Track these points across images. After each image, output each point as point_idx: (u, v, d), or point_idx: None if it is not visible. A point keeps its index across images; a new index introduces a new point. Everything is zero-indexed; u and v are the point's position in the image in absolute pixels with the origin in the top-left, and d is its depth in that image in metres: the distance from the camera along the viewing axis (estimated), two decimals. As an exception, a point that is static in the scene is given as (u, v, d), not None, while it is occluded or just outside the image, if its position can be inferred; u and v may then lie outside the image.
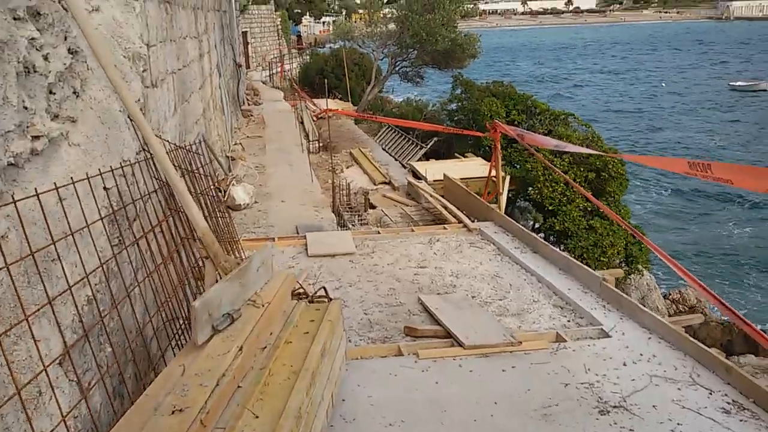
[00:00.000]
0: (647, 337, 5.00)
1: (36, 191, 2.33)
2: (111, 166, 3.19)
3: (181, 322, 3.89)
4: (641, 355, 4.72)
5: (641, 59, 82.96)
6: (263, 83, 30.95)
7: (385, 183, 13.43)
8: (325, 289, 4.88)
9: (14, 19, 2.34)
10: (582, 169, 14.63)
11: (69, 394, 2.44)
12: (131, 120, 3.53)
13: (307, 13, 75.38)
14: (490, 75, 41.72)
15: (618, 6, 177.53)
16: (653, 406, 4.04)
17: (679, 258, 19.72)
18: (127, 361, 3.14)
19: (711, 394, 4.17)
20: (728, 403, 4.06)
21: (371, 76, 29.71)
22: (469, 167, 14.82)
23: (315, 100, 22.24)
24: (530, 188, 15.01)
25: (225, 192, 9.45)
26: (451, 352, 4.81)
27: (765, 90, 54.65)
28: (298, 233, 8.26)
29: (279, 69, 34.31)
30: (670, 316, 15.25)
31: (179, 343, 3.79)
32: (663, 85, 61.68)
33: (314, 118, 19.32)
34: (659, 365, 4.56)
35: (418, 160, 17.64)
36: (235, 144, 14.41)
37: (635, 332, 5.10)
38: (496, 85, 20.42)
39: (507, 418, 3.97)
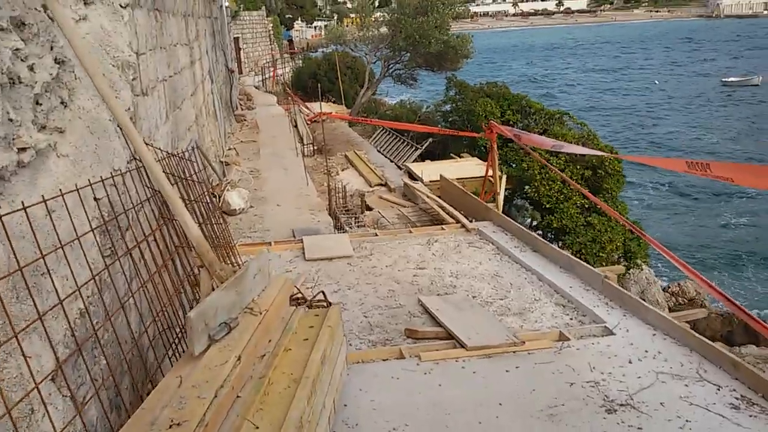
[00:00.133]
0: (652, 334, 4.94)
1: (23, 204, 2.27)
2: (101, 176, 3.12)
3: (178, 330, 3.83)
4: (646, 352, 4.66)
5: (633, 58, 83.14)
6: (256, 88, 30.89)
7: (381, 185, 13.36)
8: (323, 293, 4.83)
9: (-3, 29, 2.28)
10: (578, 167, 14.60)
11: (63, 410, 2.37)
12: (121, 129, 3.46)
13: (299, 18, 75.39)
14: (483, 76, 41.66)
15: (609, 6, 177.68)
16: (661, 403, 3.99)
17: (676, 250, 19.70)
18: (123, 372, 3.08)
19: (719, 389, 4.12)
20: (737, 398, 4.00)
21: (364, 79, 29.62)
22: (465, 167, 14.78)
23: (308, 104, 22.17)
24: (527, 186, 14.98)
25: (220, 197, 9.38)
26: (453, 353, 4.75)
27: (757, 85, 55.26)
28: (294, 237, 8.20)
29: (271, 74, 34.23)
30: (670, 309, 15.22)
31: (177, 351, 3.72)
32: (656, 83, 61.84)
33: (308, 122, 19.25)
34: (665, 362, 4.51)
35: (413, 161, 17.59)
36: (229, 149, 14.34)
37: (639, 329, 5.04)
38: (490, 86, 20.41)
39: (512, 419, 3.91)
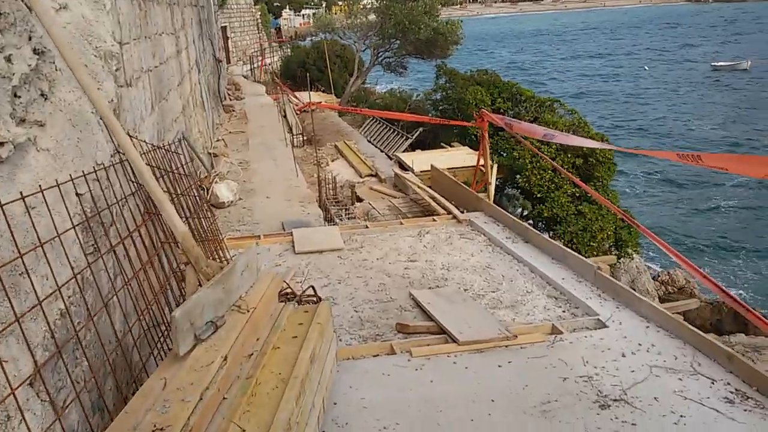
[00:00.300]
0: (645, 326, 4.89)
1: (0, 202, 2.18)
2: (83, 171, 3.03)
3: (164, 328, 3.75)
4: (640, 345, 4.61)
5: (622, 43, 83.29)
6: (244, 78, 30.63)
7: (372, 175, 13.27)
8: (313, 288, 4.77)
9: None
10: (569, 155, 14.56)
11: (41, 416, 2.29)
12: (103, 122, 3.37)
13: (287, 6, 74.92)
14: (473, 63, 41.56)
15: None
16: (655, 398, 3.94)
17: (666, 236, 19.81)
18: (107, 373, 2.99)
19: (713, 383, 4.07)
20: (731, 392, 3.96)
21: (354, 67, 29.46)
22: (456, 157, 14.71)
23: (297, 93, 22.01)
24: (518, 176, 14.93)
25: (208, 190, 9.27)
26: (444, 348, 4.68)
27: (745, 69, 56.24)
28: (284, 230, 8.11)
29: (260, 63, 33.99)
30: (660, 298, 15.26)
31: (163, 349, 3.64)
32: (646, 69, 62.00)
33: (297, 112, 19.10)
34: (659, 355, 4.46)
35: (404, 151, 17.50)
36: (217, 140, 14.20)
37: (632, 321, 4.99)
38: (481, 74, 20.33)
39: (505, 416, 3.85)
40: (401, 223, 8.01)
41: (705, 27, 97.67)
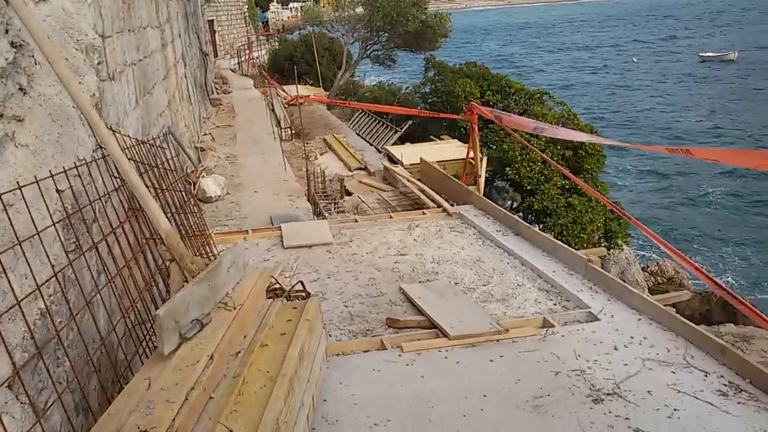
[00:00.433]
0: (637, 319, 4.86)
1: (-25, 199, 2.11)
2: (64, 167, 2.96)
3: (150, 325, 3.68)
4: (632, 338, 4.58)
5: (611, 35, 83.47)
6: (232, 71, 30.39)
7: (361, 168, 13.19)
8: (302, 283, 4.71)
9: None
10: (559, 147, 14.54)
11: (21, 419, 2.22)
12: (84, 116, 3.29)
13: (274, -1, 74.59)
14: (461, 56, 41.57)
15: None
16: (648, 391, 3.90)
17: (653, 226, 19.85)
18: (90, 373, 2.92)
19: (706, 376, 4.04)
20: (725, 385, 3.93)
21: (342, 60, 29.33)
22: (445, 150, 14.64)
23: (285, 87, 21.88)
24: (508, 168, 14.91)
25: (195, 184, 9.17)
26: (436, 343, 4.63)
27: (732, 60, 57.14)
28: (272, 224, 8.03)
29: (247, 56, 33.77)
30: (650, 289, 15.29)
31: (149, 347, 3.57)
32: (634, 60, 62.25)
33: (285, 105, 18.98)
34: (651, 348, 4.42)
35: (393, 144, 17.42)
36: (204, 134, 14.07)
37: (624, 314, 4.96)
38: (470, 66, 20.27)
39: (497, 411, 3.80)
40: (391, 217, 7.95)
41: (692, 18, 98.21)
